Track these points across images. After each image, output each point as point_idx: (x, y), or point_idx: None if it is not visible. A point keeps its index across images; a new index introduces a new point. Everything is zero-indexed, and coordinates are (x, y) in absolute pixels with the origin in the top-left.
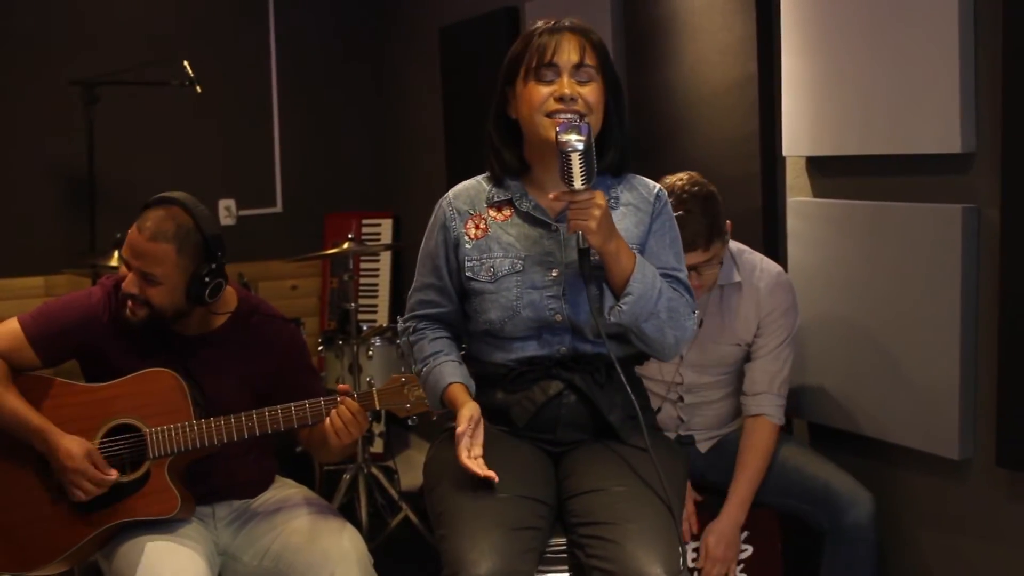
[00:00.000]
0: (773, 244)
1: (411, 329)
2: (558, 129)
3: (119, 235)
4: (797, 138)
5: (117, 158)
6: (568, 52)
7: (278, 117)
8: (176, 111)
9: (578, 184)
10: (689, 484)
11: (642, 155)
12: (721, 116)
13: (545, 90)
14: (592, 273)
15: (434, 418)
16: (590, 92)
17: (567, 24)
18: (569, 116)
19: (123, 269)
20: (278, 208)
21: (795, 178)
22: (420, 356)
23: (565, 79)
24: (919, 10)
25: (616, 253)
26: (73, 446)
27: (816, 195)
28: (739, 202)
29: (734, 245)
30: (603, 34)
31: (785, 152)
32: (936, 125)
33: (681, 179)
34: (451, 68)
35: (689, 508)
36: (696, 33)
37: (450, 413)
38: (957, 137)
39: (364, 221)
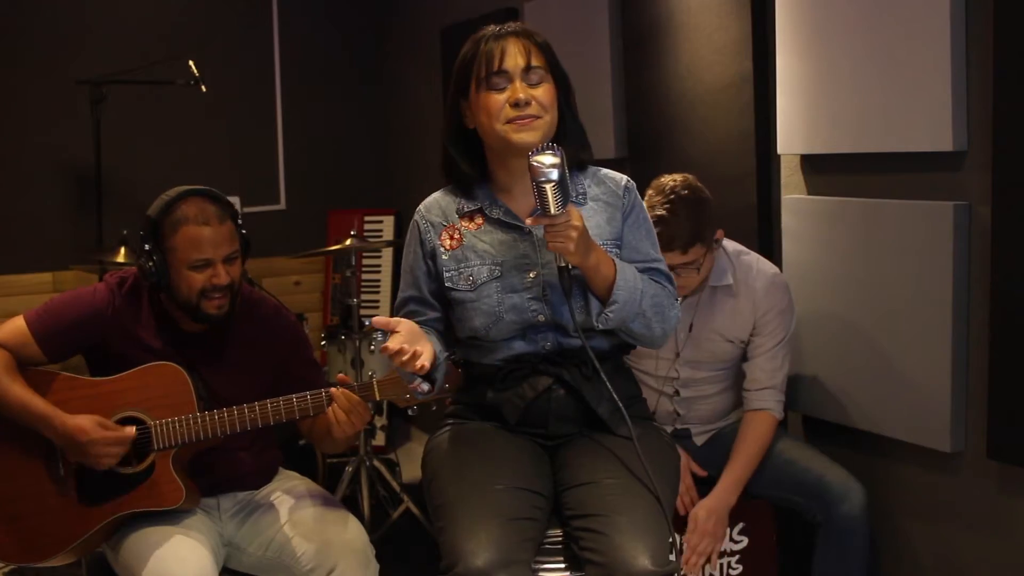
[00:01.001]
0: (768, 241)
1: None
2: (530, 154)
3: (125, 232)
4: (791, 136)
5: (123, 156)
6: (515, 57)
7: (281, 116)
8: (181, 110)
9: (554, 211)
10: (688, 457)
11: (639, 153)
12: (717, 115)
13: (500, 97)
14: (573, 286)
15: (433, 408)
16: (543, 93)
17: (510, 29)
18: (526, 119)
19: (196, 274)
20: (282, 205)
21: (789, 176)
22: None
23: (517, 84)
24: (911, 10)
25: (596, 266)
26: (82, 421)
27: (810, 192)
28: (734, 199)
29: (731, 246)
30: (600, 34)
31: (780, 150)
32: (928, 123)
33: (675, 180)
34: (451, 68)
35: (687, 482)
36: (692, 33)
37: (442, 417)
38: (949, 135)
39: (366, 218)
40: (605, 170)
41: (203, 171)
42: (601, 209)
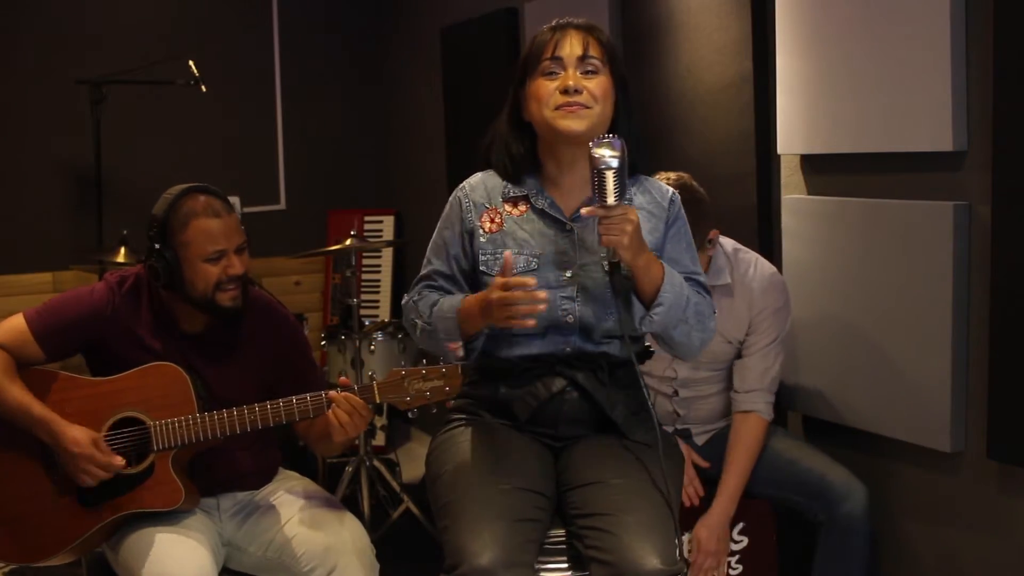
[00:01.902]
0: (768, 241)
1: (415, 294)
2: (591, 144)
3: (125, 232)
4: (791, 136)
5: (123, 156)
6: (571, 45)
7: (281, 116)
8: (181, 110)
9: (611, 201)
10: (689, 449)
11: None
12: (717, 115)
13: (551, 84)
14: (623, 285)
15: (434, 410)
16: (596, 85)
17: (574, 21)
18: (574, 107)
19: (211, 267)
20: (282, 205)
21: (789, 176)
22: (425, 306)
23: (570, 71)
24: (911, 10)
25: (646, 267)
26: (79, 433)
27: (810, 192)
28: (734, 199)
29: (729, 244)
30: None
31: (780, 150)
32: (928, 124)
33: (669, 178)
34: (451, 68)
35: (689, 473)
36: (692, 33)
37: (448, 413)
38: (949, 135)
39: (366, 218)
40: (651, 179)
41: (203, 171)
42: (645, 219)
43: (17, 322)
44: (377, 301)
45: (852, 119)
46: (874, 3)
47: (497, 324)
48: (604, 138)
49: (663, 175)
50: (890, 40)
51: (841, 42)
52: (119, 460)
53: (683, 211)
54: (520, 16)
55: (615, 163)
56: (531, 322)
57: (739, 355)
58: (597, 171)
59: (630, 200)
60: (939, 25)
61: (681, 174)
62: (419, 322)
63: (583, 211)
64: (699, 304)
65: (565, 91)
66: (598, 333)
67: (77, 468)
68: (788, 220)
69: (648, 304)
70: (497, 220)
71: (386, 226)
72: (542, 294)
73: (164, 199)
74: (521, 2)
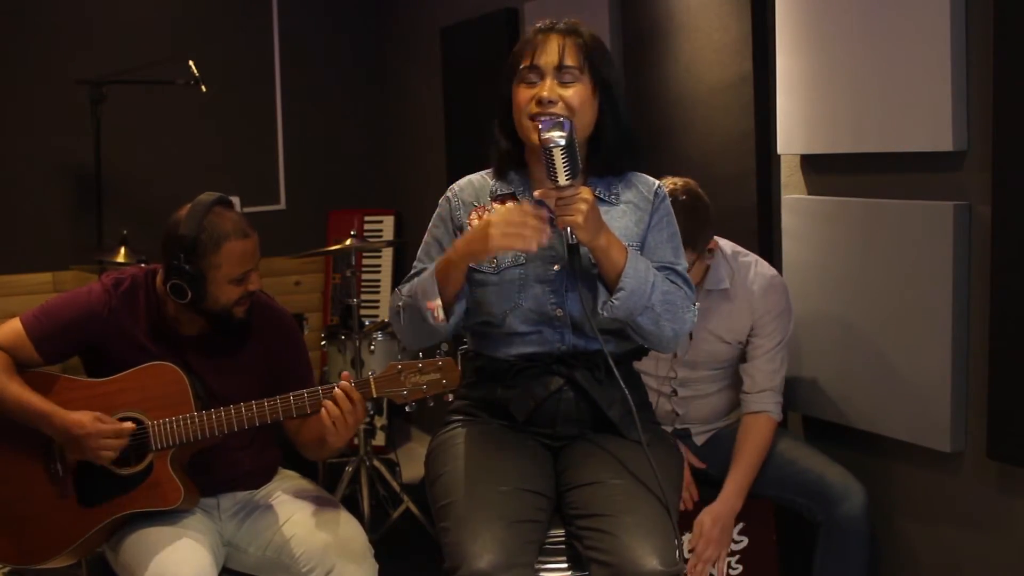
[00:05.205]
0: (768, 240)
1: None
2: (540, 127)
3: (125, 232)
4: (791, 136)
5: (123, 156)
6: (549, 54)
7: (282, 116)
8: (181, 110)
9: (562, 180)
10: (688, 451)
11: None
12: (717, 115)
13: (528, 93)
14: (584, 269)
15: (431, 404)
16: (573, 94)
17: (557, 25)
18: (549, 116)
19: (235, 287)
20: (282, 205)
21: (789, 176)
22: (406, 286)
23: (548, 81)
24: (911, 10)
25: (606, 248)
26: (79, 416)
27: (810, 192)
28: (734, 199)
29: (729, 247)
30: (600, 34)
31: (780, 150)
32: (928, 123)
33: (675, 184)
34: (451, 68)
35: (687, 477)
36: (692, 33)
37: (446, 414)
38: (949, 135)
39: (366, 218)
40: (639, 174)
41: (203, 171)
42: (631, 212)
43: (14, 326)
44: (377, 301)
45: (852, 119)
46: (874, 3)
47: (495, 245)
48: (555, 120)
49: (668, 180)
50: (890, 40)
51: (841, 42)
52: (128, 425)
53: (669, 204)
54: (520, 16)
55: (562, 142)
56: (533, 246)
57: (743, 358)
58: (546, 150)
59: (616, 194)
60: (939, 25)
61: (687, 180)
62: (400, 302)
63: (535, 193)
64: (669, 293)
65: (540, 101)
66: (588, 327)
67: (90, 449)
68: (788, 220)
69: (611, 288)
70: (485, 217)
71: (386, 226)
72: (543, 214)
73: (190, 216)
74: (521, 2)
